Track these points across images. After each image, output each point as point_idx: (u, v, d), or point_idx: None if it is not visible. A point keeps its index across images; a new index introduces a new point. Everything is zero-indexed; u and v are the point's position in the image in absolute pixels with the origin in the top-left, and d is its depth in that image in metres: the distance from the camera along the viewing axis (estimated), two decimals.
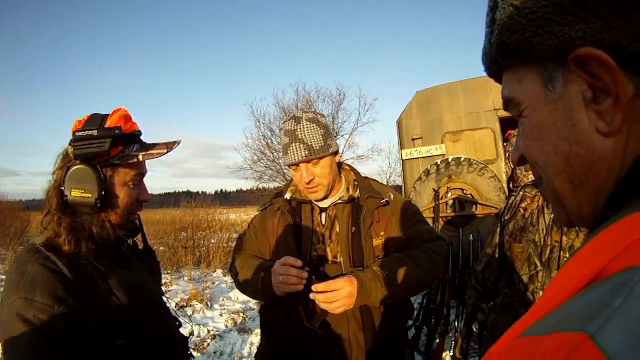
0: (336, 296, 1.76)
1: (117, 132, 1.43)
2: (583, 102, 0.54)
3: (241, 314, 7.29)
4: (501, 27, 0.59)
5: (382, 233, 2.02)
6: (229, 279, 10.12)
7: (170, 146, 1.57)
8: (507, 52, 0.60)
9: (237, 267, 2.16)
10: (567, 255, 2.42)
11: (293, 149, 1.92)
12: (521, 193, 2.70)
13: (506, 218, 2.68)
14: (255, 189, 20.29)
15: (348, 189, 2.11)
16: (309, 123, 1.94)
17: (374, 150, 20.91)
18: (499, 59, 0.63)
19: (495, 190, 6.05)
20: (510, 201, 2.71)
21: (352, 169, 2.24)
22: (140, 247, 1.83)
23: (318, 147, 1.92)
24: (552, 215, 2.55)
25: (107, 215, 1.50)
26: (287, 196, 2.16)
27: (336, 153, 2.07)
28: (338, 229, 2.04)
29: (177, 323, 1.81)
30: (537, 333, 0.42)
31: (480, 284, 2.72)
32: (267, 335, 2.16)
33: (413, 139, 7.36)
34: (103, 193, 1.42)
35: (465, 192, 6.27)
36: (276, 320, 2.06)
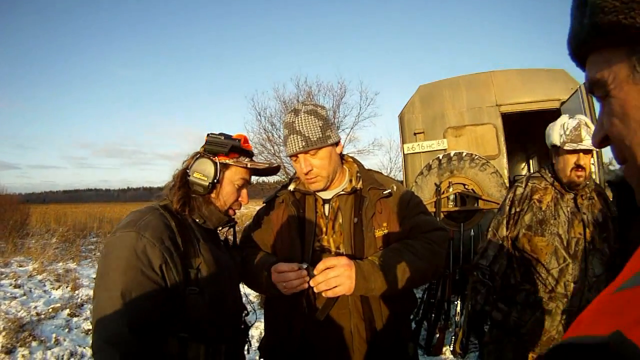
0: (335, 272, 1.80)
1: (236, 142, 1.90)
2: None
3: (251, 308, 7.09)
4: (593, 9, 0.59)
5: (385, 224, 2.03)
6: None
7: (271, 164, 2.03)
8: (598, 33, 0.60)
9: (242, 262, 2.16)
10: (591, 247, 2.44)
11: (291, 141, 1.98)
12: (530, 184, 2.67)
13: (517, 210, 2.66)
14: (255, 182, 20.23)
15: (351, 181, 2.13)
16: (306, 115, 1.98)
17: (375, 145, 20.81)
18: (589, 40, 0.63)
19: (496, 185, 6.06)
20: (519, 192, 2.68)
21: (355, 160, 2.26)
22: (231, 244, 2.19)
23: (315, 138, 1.96)
24: (570, 208, 2.54)
25: (213, 199, 1.90)
26: (291, 188, 2.19)
27: (336, 144, 2.08)
28: (341, 220, 2.06)
29: (245, 311, 2.12)
30: (631, 286, 0.46)
31: (488, 278, 2.68)
32: (270, 327, 2.19)
33: (415, 133, 7.36)
34: (215, 181, 1.84)
35: (466, 187, 6.28)
36: (279, 312, 2.09)
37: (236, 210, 2.01)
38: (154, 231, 1.65)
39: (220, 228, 2.04)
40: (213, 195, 1.89)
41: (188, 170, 1.87)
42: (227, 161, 1.88)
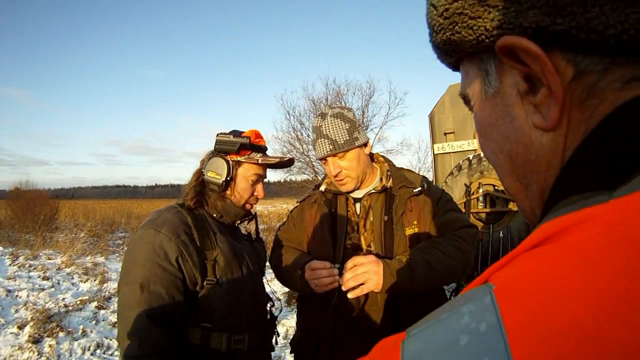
0: (363, 268, 1.82)
1: (245, 140, 1.92)
2: (518, 95, 0.49)
3: (277, 300, 7.07)
4: (429, 29, 0.57)
5: (415, 222, 2.02)
6: None
7: (282, 159, 2.03)
8: (442, 52, 0.58)
9: (276, 261, 2.23)
10: None
11: (319, 145, 2.02)
12: None
13: None
14: (282, 180, 20.25)
15: (381, 179, 2.14)
16: (333, 119, 2.01)
17: (404, 145, 20.75)
18: (441, 59, 0.60)
19: None
20: None
21: (386, 159, 2.26)
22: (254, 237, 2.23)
23: (342, 141, 1.98)
24: None
25: (229, 195, 1.97)
26: (322, 188, 2.24)
27: (365, 145, 2.09)
28: (372, 218, 2.06)
29: (271, 302, 2.17)
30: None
31: None
32: (302, 323, 2.22)
33: (445, 133, 7.29)
34: (229, 178, 1.90)
35: (496, 187, 6.18)
36: (310, 309, 2.13)
37: (253, 204, 2.08)
38: (170, 227, 1.75)
39: (238, 222, 2.11)
40: (228, 192, 1.97)
41: (203, 170, 1.95)
42: (239, 159, 1.95)
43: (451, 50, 0.55)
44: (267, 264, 2.23)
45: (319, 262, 1.95)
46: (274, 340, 2.17)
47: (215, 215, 1.97)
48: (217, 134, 1.97)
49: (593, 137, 0.43)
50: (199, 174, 1.98)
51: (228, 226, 2.03)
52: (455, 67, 0.61)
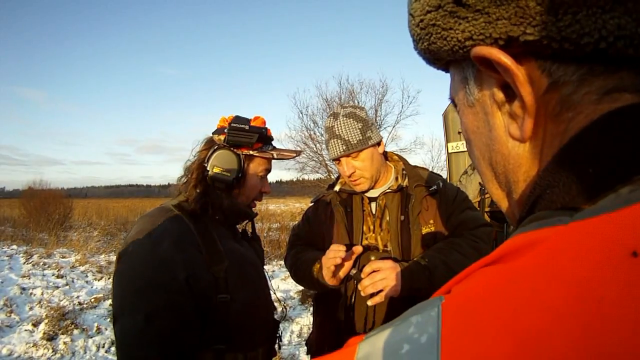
0: (382, 274, 1.78)
1: (263, 131, 1.73)
2: (495, 104, 0.49)
3: (282, 303, 7.04)
4: (411, 38, 0.56)
5: (431, 221, 2.00)
6: (269, 267, 10.21)
7: (297, 153, 1.90)
8: (425, 60, 0.58)
9: (292, 260, 2.21)
10: None
11: (332, 145, 1.99)
12: None
13: None
14: (295, 179, 20.23)
15: (397, 178, 2.12)
16: (345, 118, 1.98)
17: (417, 143, 20.66)
18: (428, 64, 0.59)
19: None
20: None
21: (401, 158, 2.24)
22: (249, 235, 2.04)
23: (355, 141, 1.95)
24: None
25: (235, 194, 1.75)
26: (337, 188, 2.21)
27: (378, 144, 2.07)
28: (388, 218, 2.04)
29: (274, 306, 1.97)
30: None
31: None
32: (318, 323, 2.21)
33: (459, 132, 7.19)
34: (239, 175, 1.69)
35: None
36: (327, 308, 2.11)
37: (258, 201, 1.90)
38: (171, 239, 1.46)
39: (242, 223, 1.93)
40: (235, 190, 1.74)
41: (205, 164, 1.69)
42: (251, 152, 1.73)
43: (433, 59, 0.55)
44: (282, 262, 2.18)
45: (336, 246, 1.86)
46: (277, 346, 1.97)
47: (218, 216, 1.69)
48: (229, 123, 1.72)
49: (563, 153, 0.42)
50: (201, 169, 1.70)
51: (229, 228, 1.79)
52: (446, 70, 0.60)
